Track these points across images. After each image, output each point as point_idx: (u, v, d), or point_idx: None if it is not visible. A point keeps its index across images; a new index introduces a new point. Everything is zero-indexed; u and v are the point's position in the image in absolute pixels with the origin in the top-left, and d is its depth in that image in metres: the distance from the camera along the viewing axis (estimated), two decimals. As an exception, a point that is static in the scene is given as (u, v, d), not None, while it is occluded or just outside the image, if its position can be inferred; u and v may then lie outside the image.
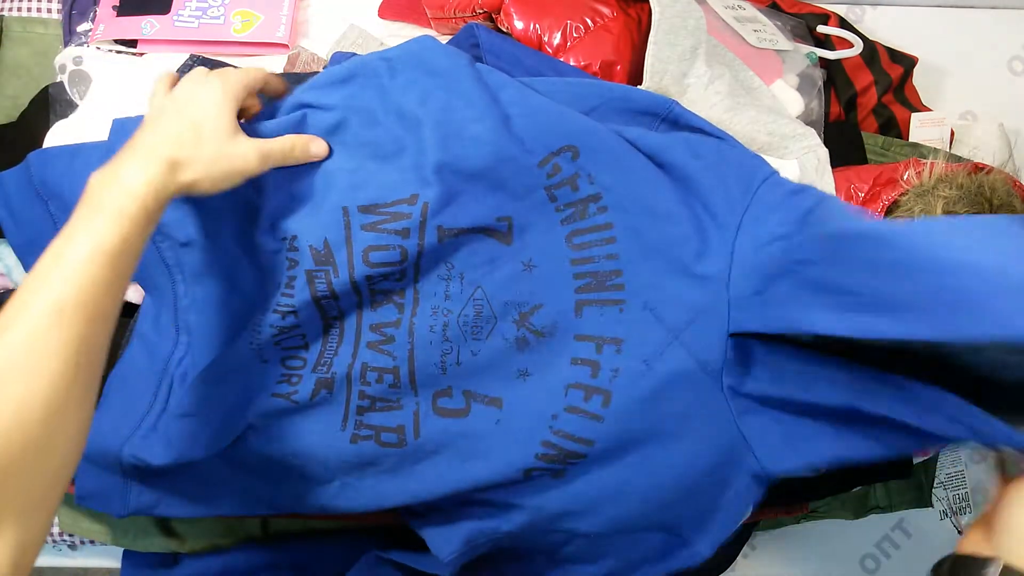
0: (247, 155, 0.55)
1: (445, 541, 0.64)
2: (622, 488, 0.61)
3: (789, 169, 0.71)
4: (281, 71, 0.78)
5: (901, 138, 0.87)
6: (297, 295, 0.60)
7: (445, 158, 0.59)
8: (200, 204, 0.59)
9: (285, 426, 0.62)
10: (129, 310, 0.68)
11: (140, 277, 0.65)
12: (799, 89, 0.82)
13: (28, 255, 0.67)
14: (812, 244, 0.56)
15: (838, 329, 0.53)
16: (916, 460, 0.90)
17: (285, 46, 0.79)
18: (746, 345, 0.60)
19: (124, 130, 0.62)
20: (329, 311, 0.61)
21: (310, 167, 0.61)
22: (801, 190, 0.61)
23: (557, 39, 0.73)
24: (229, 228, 0.61)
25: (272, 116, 0.62)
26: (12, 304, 0.44)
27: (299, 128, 0.61)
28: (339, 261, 0.59)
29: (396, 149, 0.60)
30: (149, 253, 0.62)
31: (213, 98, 0.55)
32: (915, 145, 0.85)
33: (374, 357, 0.61)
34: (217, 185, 0.54)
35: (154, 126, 0.53)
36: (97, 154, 0.62)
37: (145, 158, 0.51)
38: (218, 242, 0.60)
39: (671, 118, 0.66)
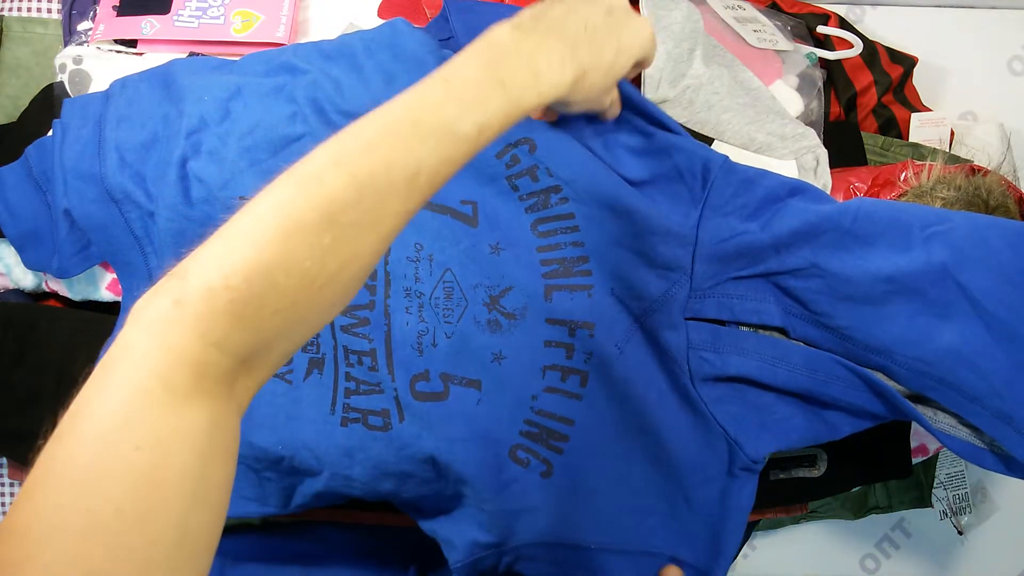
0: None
1: (455, 536, 0.63)
2: (610, 481, 0.61)
3: (788, 169, 0.71)
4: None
5: (901, 138, 0.87)
6: None
7: None
8: (165, 174, 0.62)
9: (279, 409, 0.62)
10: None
11: (110, 254, 0.66)
12: (799, 89, 0.82)
13: (26, 249, 0.68)
14: (764, 241, 0.60)
15: (786, 325, 0.61)
16: (916, 460, 0.90)
17: (285, 46, 0.79)
18: (710, 329, 0.62)
19: (75, 108, 0.66)
20: None
21: (273, 136, 0.63)
22: (756, 177, 0.62)
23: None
24: (199, 197, 0.62)
25: None
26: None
27: (280, 93, 0.64)
28: None
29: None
30: (117, 227, 0.64)
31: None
32: (915, 145, 0.85)
33: (351, 340, 0.61)
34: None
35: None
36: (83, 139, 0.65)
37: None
38: (187, 212, 0.62)
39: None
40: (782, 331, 0.62)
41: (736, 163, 0.63)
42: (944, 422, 0.60)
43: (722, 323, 0.62)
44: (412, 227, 0.61)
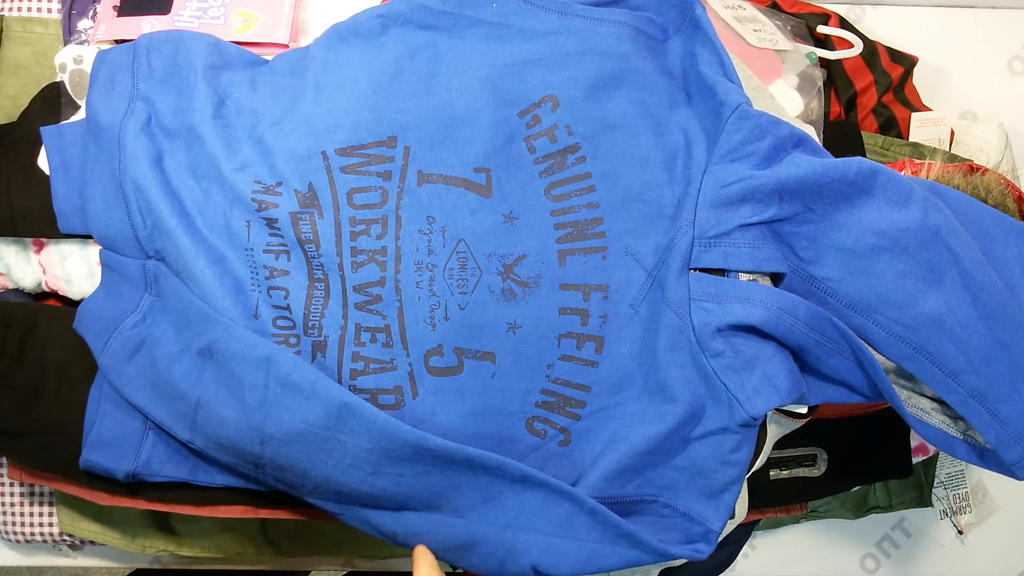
0: None
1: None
2: (625, 439, 0.61)
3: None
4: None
5: (901, 138, 0.87)
6: (284, 233, 0.62)
7: (427, 106, 0.62)
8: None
9: None
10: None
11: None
12: (799, 89, 0.82)
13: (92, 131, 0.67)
14: (768, 187, 0.59)
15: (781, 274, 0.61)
16: (916, 460, 0.90)
17: (285, 46, 0.79)
18: (712, 279, 0.61)
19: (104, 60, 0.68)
20: (313, 263, 0.62)
21: (281, 110, 0.65)
22: (768, 126, 0.61)
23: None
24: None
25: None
26: None
27: (301, 71, 0.66)
28: (323, 203, 0.62)
29: (375, 92, 0.63)
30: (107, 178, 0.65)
31: None
32: (915, 145, 0.85)
33: (364, 318, 0.61)
34: None
35: None
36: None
37: None
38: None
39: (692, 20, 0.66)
40: (774, 282, 0.61)
41: (751, 109, 0.61)
42: (918, 407, 0.59)
43: (721, 273, 0.61)
44: (425, 200, 0.62)
